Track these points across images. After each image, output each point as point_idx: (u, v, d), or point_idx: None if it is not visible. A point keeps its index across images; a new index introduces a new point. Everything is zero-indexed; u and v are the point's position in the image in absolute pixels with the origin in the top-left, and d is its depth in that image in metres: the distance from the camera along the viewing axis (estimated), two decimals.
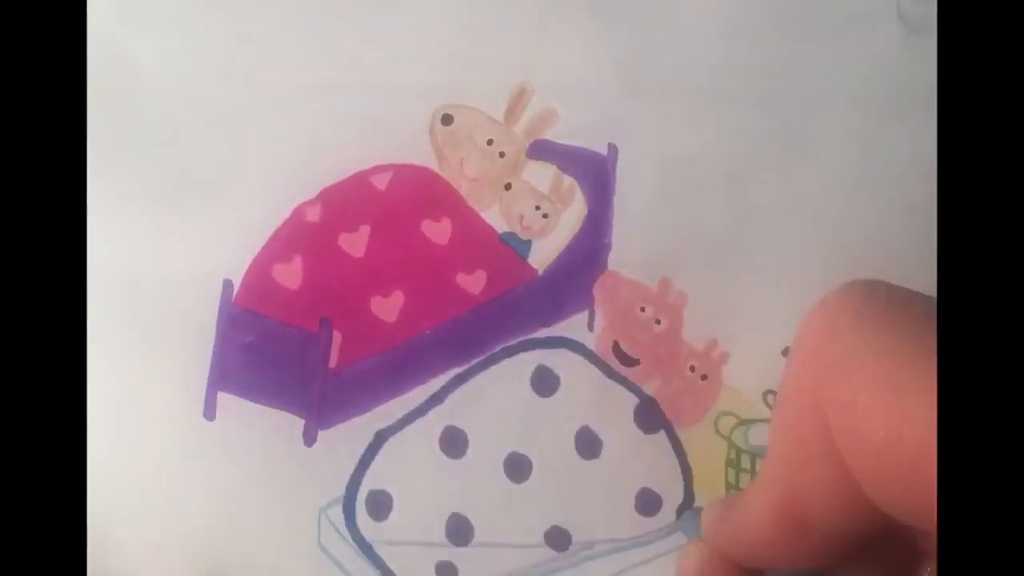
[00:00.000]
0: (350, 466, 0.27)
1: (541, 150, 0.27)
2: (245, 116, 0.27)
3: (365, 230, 0.27)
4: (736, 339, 0.27)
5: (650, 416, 0.27)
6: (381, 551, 0.27)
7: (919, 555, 0.20)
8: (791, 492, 0.19)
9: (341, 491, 0.27)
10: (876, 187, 0.27)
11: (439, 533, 0.27)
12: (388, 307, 0.27)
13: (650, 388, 0.27)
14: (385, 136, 0.27)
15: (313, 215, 0.27)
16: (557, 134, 0.27)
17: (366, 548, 0.27)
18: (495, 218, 0.27)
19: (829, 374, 0.18)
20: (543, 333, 0.27)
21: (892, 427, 0.16)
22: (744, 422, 0.28)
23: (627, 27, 0.27)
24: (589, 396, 0.27)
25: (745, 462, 0.27)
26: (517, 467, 0.27)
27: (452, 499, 0.27)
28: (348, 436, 0.27)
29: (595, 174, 0.27)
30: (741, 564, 0.22)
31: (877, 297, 0.19)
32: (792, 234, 0.27)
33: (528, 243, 0.27)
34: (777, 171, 0.27)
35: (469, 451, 0.27)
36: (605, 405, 0.27)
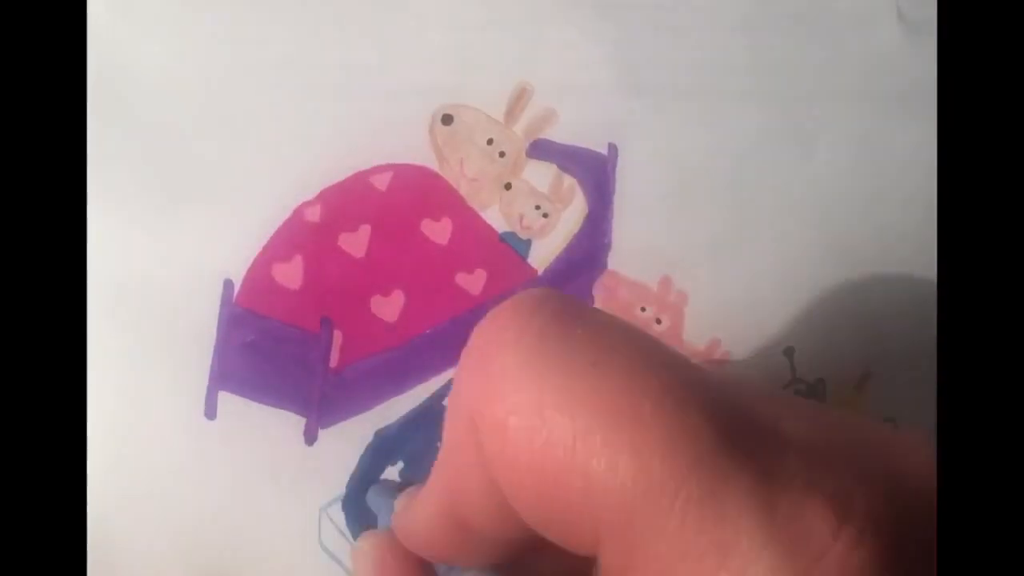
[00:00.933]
0: (351, 465, 0.27)
1: (541, 150, 0.27)
2: (245, 116, 0.27)
3: (365, 230, 0.27)
4: (737, 339, 0.27)
5: None
6: None
7: None
8: (451, 496, 0.20)
9: (342, 490, 0.27)
10: (876, 186, 0.27)
11: None
12: (388, 307, 0.27)
13: None
14: (385, 136, 0.27)
15: (313, 215, 0.27)
16: (557, 134, 0.27)
17: None
18: (495, 218, 0.27)
19: (485, 391, 0.18)
20: None
21: (536, 453, 0.17)
22: None
23: (627, 27, 0.27)
24: None
25: None
26: None
27: None
28: (349, 435, 0.27)
29: (595, 174, 0.27)
30: (420, 558, 0.22)
31: (542, 313, 0.18)
32: (792, 234, 0.27)
33: (528, 243, 0.27)
34: (777, 171, 0.27)
35: None
36: None
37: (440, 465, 0.20)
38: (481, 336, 0.19)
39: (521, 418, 0.17)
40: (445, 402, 0.27)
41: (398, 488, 0.25)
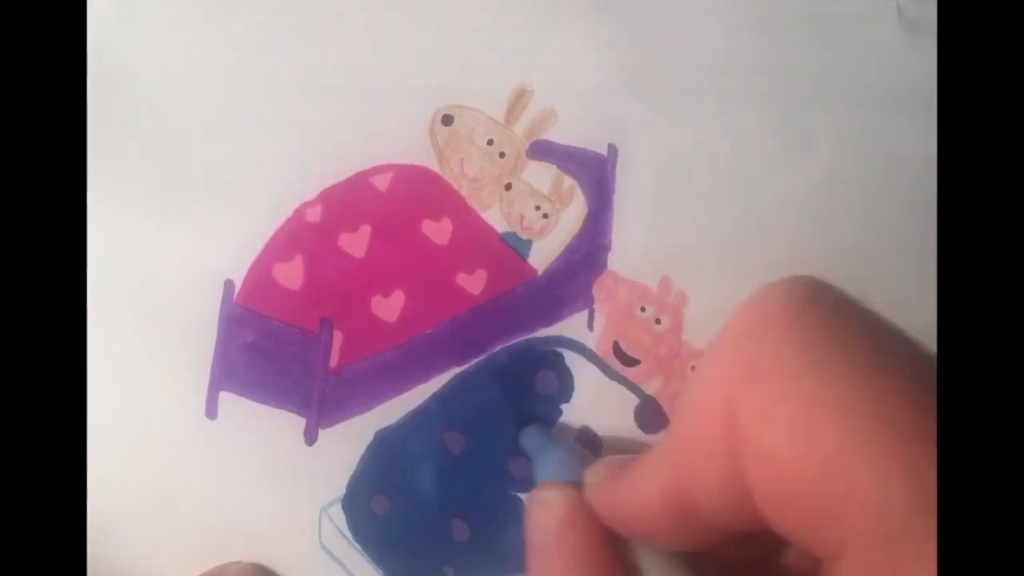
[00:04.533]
0: (351, 465, 0.27)
1: (541, 150, 0.27)
2: (245, 116, 0.27)
3: (366, 230, 0.27)
4: None
5: (650, 416, 0.27)
6: (382, 550, 0.27)
7: (780, 541, 0.20)
8: (681, 482, 0.18)
9: (342, 490, 0.27)
10: (876, 186, 0.27)
11: (440, 532, 0.27)
12: (388, 307, 0.27)
13: (650, 388, 0.27)
14: (385, 136, 0.27)
15: (314, 215, 0.27)
16: (557, 134, 0.27)
17: (367, 547, 0.27)
18: (495, 218, 0.27)
19: (750, 375, 0.17)
20: (543, 333, 0.27)
21: (800, 447, 0.16)
22: None
23: (627, 27, 0.27)
24: (589, 396, 0.27)
25: None
26: (518, 467, 0.27)
27: (452, 499, 0.27)
28: (349, 435, 0.27)
29: (595, 174, 0.27)
30: (611, 533, 0.21)
31: (822, 302, 0.17)
32: (792, 234, 0.27)
33: (528, 243, 0.27)
34: (777, 171, 0.27)
35: (469, 450, 0.27)
36: (605, 405, 0.27)
37: (672, 448, 0.19)
38: (750, 317, 0.18)
39: (790, 409, 0.16)
40: (445, 403, 0.27)
41: (554, 433, 0.25)
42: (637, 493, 0.20)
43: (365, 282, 0.27)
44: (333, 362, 0.27)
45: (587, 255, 0.27)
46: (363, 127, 0.27)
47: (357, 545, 0.27)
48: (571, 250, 0.27)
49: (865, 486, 0.15)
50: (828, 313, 0.17)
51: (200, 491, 0.27)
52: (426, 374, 0.27)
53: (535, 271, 0.27)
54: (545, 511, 0.22)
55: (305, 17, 0.27)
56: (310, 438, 0.27)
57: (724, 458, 0.17)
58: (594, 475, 0.22)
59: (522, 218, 0.27)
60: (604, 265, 0.27)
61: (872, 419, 0.15)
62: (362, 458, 0.27)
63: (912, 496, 0.15)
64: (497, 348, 0.27)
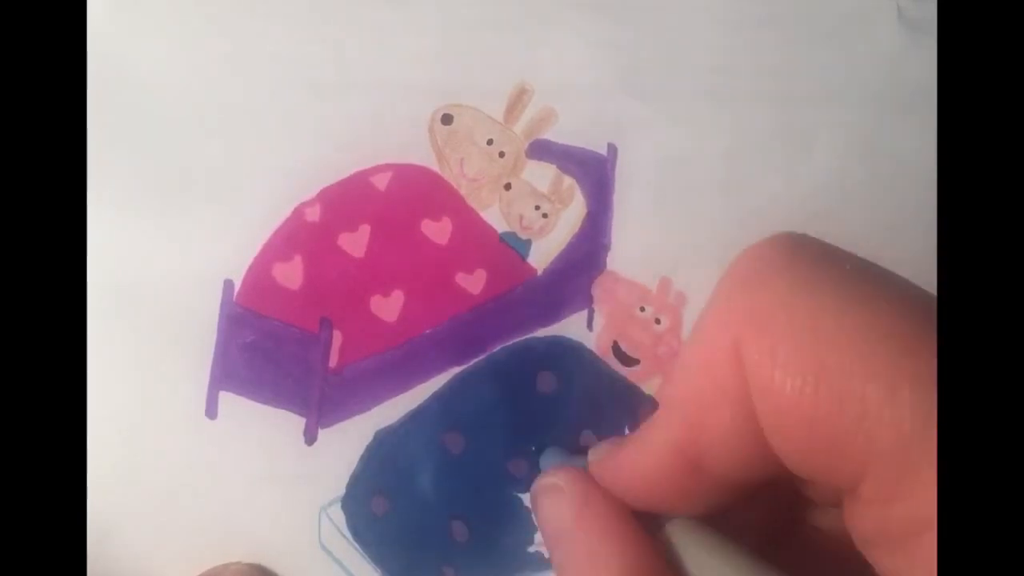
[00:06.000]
0: (351, 465, 0.27)
1: (541, 150, 0.27)
2: (245, 116, 0.27)
3: (365, 230, 0.27)
4: None
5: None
6: (382, 550, 0.27)
7: (803, 502, 0.21)
8: (691, 433, 0.19)
9: (342, 490, 0.27)
10: (876, 186, 0.27)
11: (440, 532, 0.27)
12: (388, 307, 0.27)
13: (650, 388, 0.27)
14: (385, 136, 0.27)
15: (313, 215, 0.27)
16: (557, 134, 0.27)
17: (367, 547, 0.27)
18: (495, 218, 0.27)
19: (752, 318, 0.18)
20: (543, 333, 0.27)
21: (808, 378, 0.17)
22: None
23: (627, 27, 0.27)
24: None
25: None
26: (518, 467, 0.27)
27: (452, 499, 0.27)
28: (349, 435, 0.27)
29: (595, 174, 0.27)
30: (628, 506, 0.21)
31: (808, 248, 0.18)
32: None
33: (528, 243, 0.27)
34: (777, 171, 0.27)
35: (469, 450, 0.27)
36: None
37: (678, 402, 0.19)
38: (742, 267, 0.19)
39: (794, 344, 0.17)
40: (445, 403, 0.27)
41: (573, 452, 0.25)
42: (645, 455, 0.20)
43: (365, 282, 0.27)
44: (333, 362, 0.27)
45: (586, 255, 0.27)
46: (362, 126, 0.27)
47: (357, 545, 0.27)
48: (571, 250, 0.27)
49: (877, 402, 0.16)
50: (816, 254, 0.18)
51: (200, 491, 0.27)
52: (426, 374, 0.27)
53: (535, 271, 0.27)
54: (557, 495, 0.22)
55: (304, 17, 0.27)
56: (310, 438, 0.27)
57: (734, 402, 0.18)
58: (595, 454, 0.22)
59: (522, 218, 0.27)
60: (603, 265, 0.27)
61: (873, 338, 0.16)
62: (362, 458, 0.27)
63: (922, 402, 0.16)
64: (497, 348, 0.27)
